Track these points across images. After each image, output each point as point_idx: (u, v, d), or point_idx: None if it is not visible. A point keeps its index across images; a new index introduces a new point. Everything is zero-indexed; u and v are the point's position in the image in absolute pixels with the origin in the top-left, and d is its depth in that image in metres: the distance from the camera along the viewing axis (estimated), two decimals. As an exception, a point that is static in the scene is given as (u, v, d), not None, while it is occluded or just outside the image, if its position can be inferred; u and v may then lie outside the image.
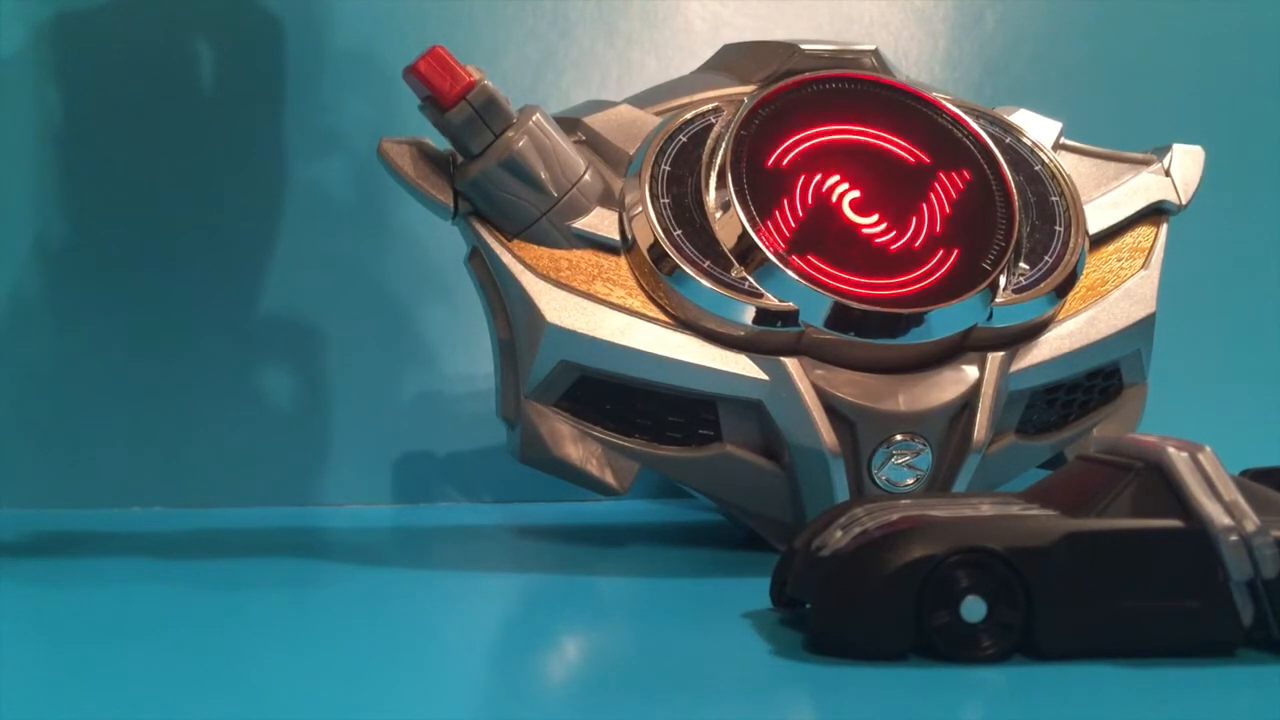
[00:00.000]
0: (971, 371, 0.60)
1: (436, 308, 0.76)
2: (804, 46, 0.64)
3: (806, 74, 0.63)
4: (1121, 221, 0.66)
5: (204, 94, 0.74)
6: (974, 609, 0.43)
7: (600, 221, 0.60)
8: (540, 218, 0.59)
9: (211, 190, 0.75)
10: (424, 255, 0.76)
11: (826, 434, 0.58)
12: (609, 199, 0.60)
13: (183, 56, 0.74)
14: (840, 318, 0.58)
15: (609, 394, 0.60)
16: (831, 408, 0.59)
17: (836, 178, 0.61)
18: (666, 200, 0.60)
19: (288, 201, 0.75)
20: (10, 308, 0.72)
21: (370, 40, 0.76)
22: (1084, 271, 0.63)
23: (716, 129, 0.61)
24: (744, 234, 0.59)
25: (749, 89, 0.63)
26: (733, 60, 0.66)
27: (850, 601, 0.44)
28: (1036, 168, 0.64)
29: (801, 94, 0.63)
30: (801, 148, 0.61)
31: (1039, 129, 0.66)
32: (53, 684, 0.43)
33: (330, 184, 0.75)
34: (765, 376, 0.59)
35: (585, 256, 0.60)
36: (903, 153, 0.62)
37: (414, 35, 0.74)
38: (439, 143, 0.60)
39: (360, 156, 0.74)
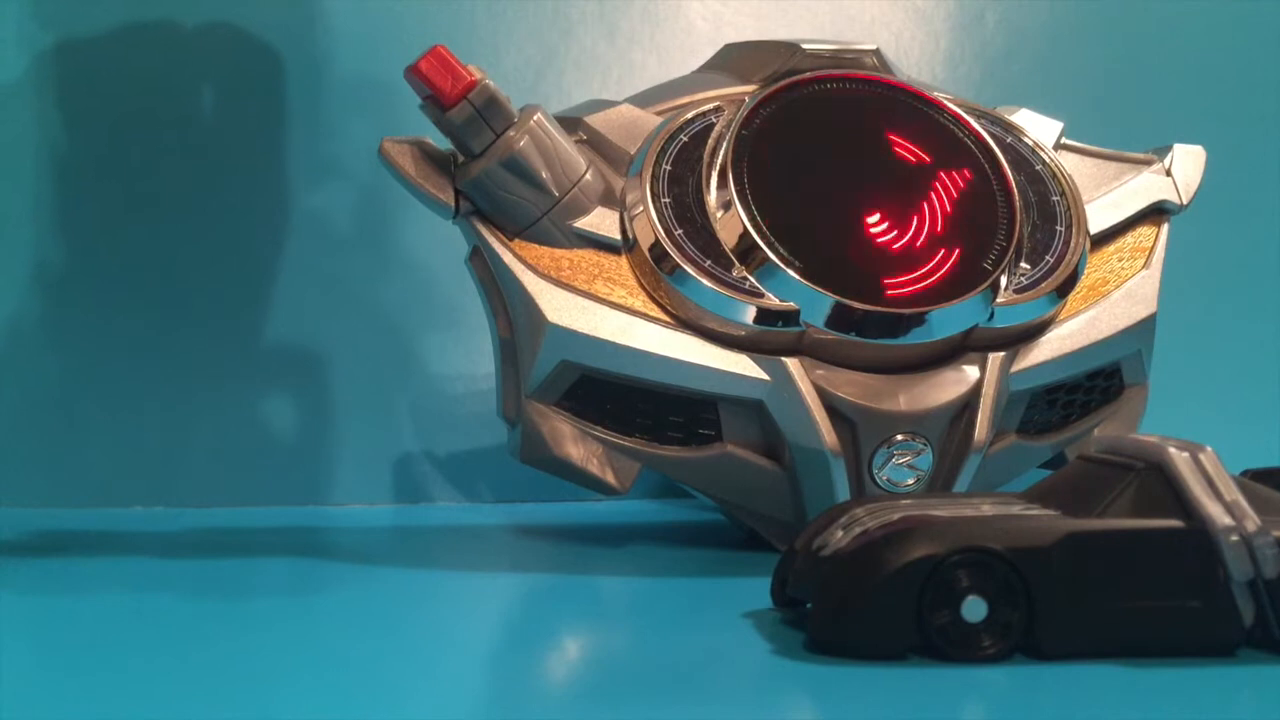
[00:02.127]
0: (972, 371, 0.60)
1: (437, 308, 0.76)
2: (805, 46, 0.64)
3: (807, 73, 0.63)
4: (1122, 221, 0.66)
5: (205, 113, 0.74)
6: (975, 609, 0.43)
7: (601, 221, 0.60)
8: (541, 217, 0.59)
9: (213, 195, 0.75)
10: (424, 257, 0.76)
11: (827, 434, 0.58)
12: (610, 198, 0.60)
13: (184, 78, 0.74)
14: (841, 318, 0.58)
15: (610, 393, 0.60)
16: (832, 408, 0.59)
17: (839, 177, 0.61)
18: (667, 200, 0.60)
19: (288, 205, 0.75)
20: (14, 310, 0.72)
21: (372, 49, 0.75)
22: (1085, 271, 0.63)
23: (718, 128, 0.61)
24: (745, 233, 0.59)
25: (750, 88, 0.63)
26: (734, 60, 0.66)
27: (851, 601, 0.44)
28: (1037, 167, 0.64)
29: (802, 93, 0.63)
30: (803, 147, 0.61)
31: (1040, 129, 0.66)
32: (52, 684, 0.42)
33: (331, 190, 0.75)
34: (766, 376, 0.59)
35: (586, 256, 0.60)
36: (904, 152, 0.62)
37: (415, 35, 0.74)
38: (440, 142, 0.60)
39: (359, 163, 0.74)
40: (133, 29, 0.73)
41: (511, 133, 0.59)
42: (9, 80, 0.72)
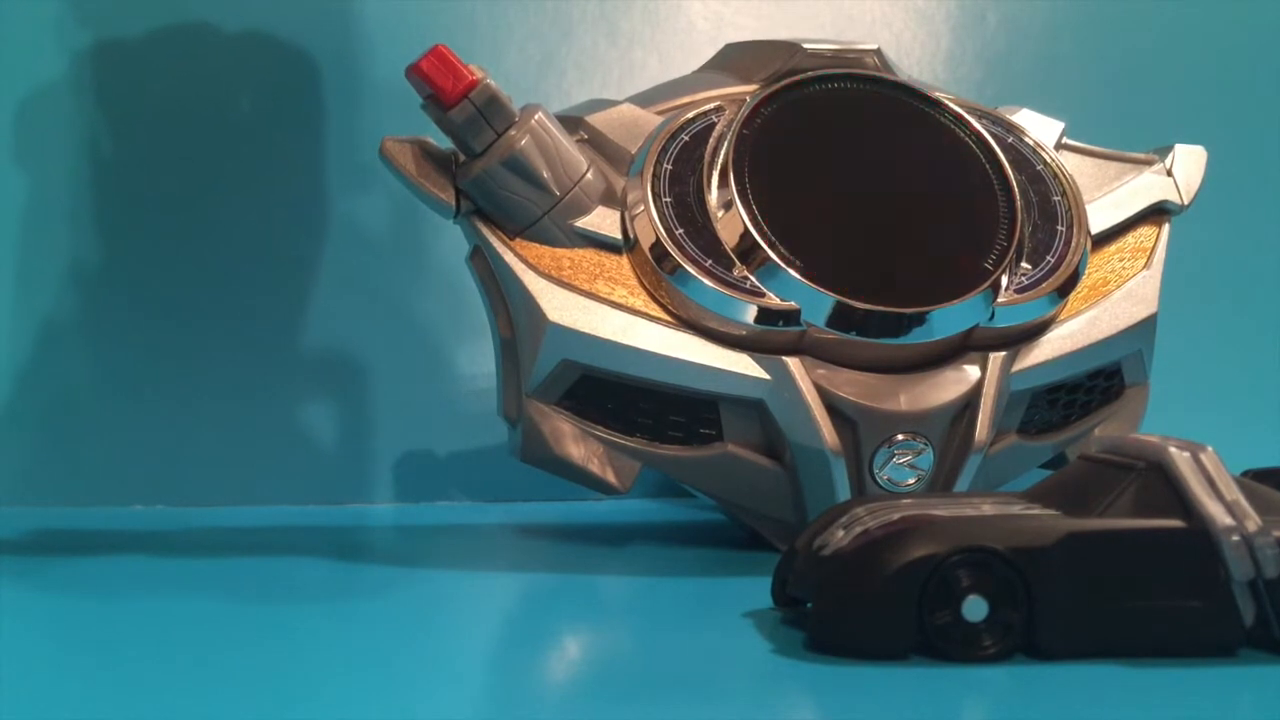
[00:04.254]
0: (973, 371, 0.60)
1: (437, 307, 0.76)
2: (806, 46, 0.64)
3: (809, 73, 0.63)
4: (1123, 222, 0.66)
5: (220, 114, 0.74)
6: (975, 608, 0.43)
7: (602, 220, 0.60)
8: (542, 216, 0.59)
9: (215, 190, 0.75)
10: (425, 255, 0.76)
11: (828, 433, 0.58)
12: (611, 198, 0.60)
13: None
14: (842, 317, 0.58)
15: (610, 393, 0.60)
16: (833, 407, 0.59)
17: (840, 176, 0.61)
18: (668, 199, 0.60)
19: (287, 202, 0.75)
20: (18, 308, 0.72)
21: (372, 49, 0.75)
22: (1086, 271, 0.63)
23: (719, 128, 0.61)
24: (746, 233, 0.59)
25: (751, 88, 0.63)
26: (735, 59, 0.66)
27: (852, 601, 0.44)
28: (1038, 167, 0.64)
29: (804, 93, 0.62)
30: (804, 146, 0.61)
31: (1041, 129, 0.66)
32: (52, 684, 0.42)
33: (333, 186, 0.75)
34: (767, 376, 0.59)
35: (587, 255, 0.60)
36: (905, 152, 0.62)
37: (415, 35, 0.74)
38: (442, 142, 0.60)
39: (359, 160, 0.74)
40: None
41: (513, 132, 0.59)
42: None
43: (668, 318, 0.59)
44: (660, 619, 0.51)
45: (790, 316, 0.58)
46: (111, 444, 0.73)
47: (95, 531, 0.66)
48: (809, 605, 0.47)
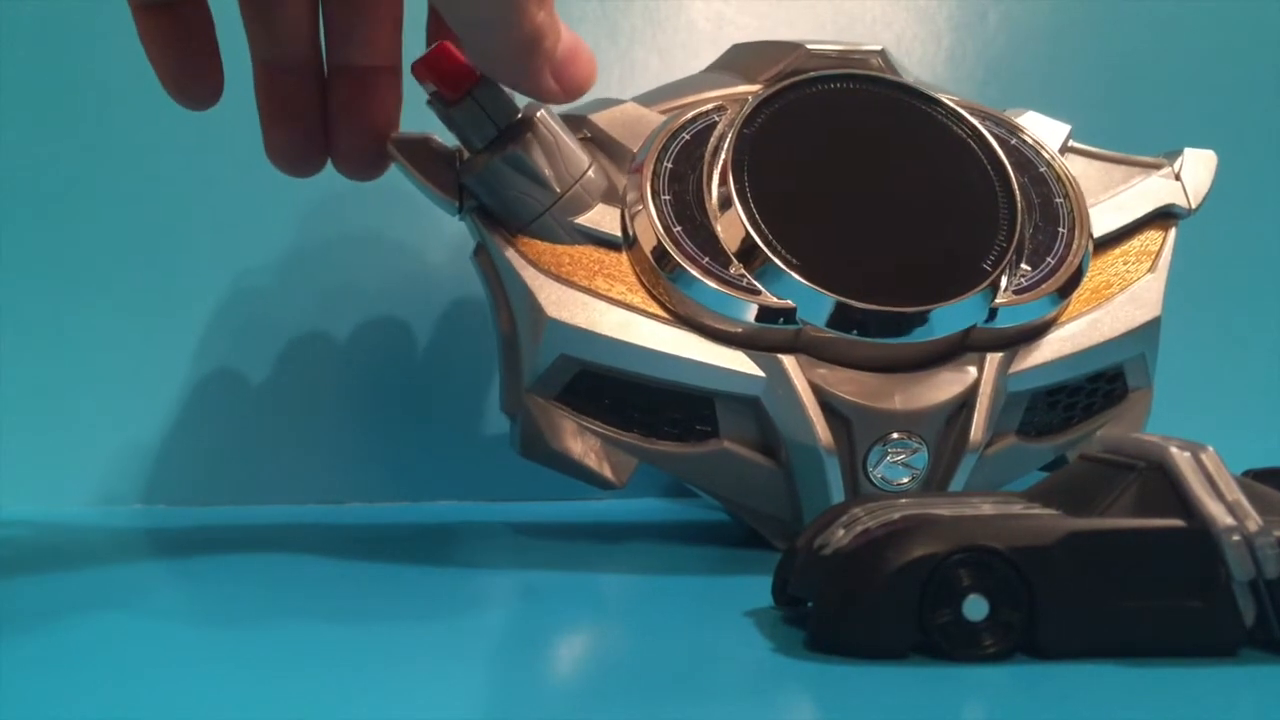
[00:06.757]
0: (970, 371, 0.60)
1: (438, 303, 0.76)
2: (811, 46, 0.64)
3: (811, 73, 0.63)
4: (1129, 225, 0.66)
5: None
6: (976, 608, 0.43)
7: (602, 218, 0.60)
8: (543, 213, 0.59)
9: (215, 187, 0.75)
10: (425, 252, 0.76)
11: (821, 431, 0.58)
12: (613, 196, 0.60)
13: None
14: (842, 317, 0.58)
15: (608, 389, 0.60)
16: (828, 405, 0.59)
17: (840, 176, 0.61)
18: (667, 197, 0.60)
19: (292, 204, 0.75)
20: (18, 303, 0.72)
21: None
22: (1089, 274, 0.63)
23: (720, 127, 0.61)
24: (745, 233, 0.59)
25: (755, 88, 0.63)
26: (739, 59, 0.66)
27: (852, 600, 0.44)
28: (1041, 169, 0.64)
29: (806, 93, 0.62)
30: (804, 146, 0.61)
31: (1047, 131, 0.66)
32: (56, 684, 0.42)
33: (330, 184, 0.75)
34: (762, 373, 0.59)
35: (587, 252, 0.60)
36: (906, 152, 0.62)
37: (420, 33, 0.74)
38: (447, 139, 0.60)
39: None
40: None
41: (516, 129, 0.59)
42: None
43: (665, 315, 0.59)
44: (661, 617, 0.51)
45: (788, 314, 0.58)
46: (112, 443, 0.73)
47: (95, 530, 0.66)
48: (809, 604, 0.47)
